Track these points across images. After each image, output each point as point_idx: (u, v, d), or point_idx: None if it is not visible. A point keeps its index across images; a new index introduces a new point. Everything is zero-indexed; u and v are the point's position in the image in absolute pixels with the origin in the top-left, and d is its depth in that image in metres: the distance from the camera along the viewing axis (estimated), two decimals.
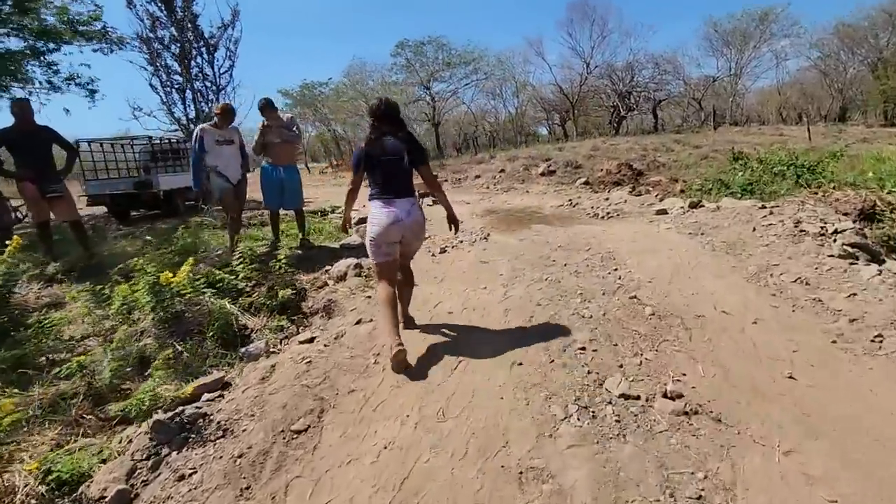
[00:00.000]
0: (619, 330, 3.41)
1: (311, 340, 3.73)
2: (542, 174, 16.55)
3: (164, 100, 10.37)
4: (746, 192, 9.49)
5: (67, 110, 10.32)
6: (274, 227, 6.00)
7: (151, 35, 10.12)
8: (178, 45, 10.25)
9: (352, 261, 5.11)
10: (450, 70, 26.90)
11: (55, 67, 9.33)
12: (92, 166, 13.17)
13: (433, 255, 5.59)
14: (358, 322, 3.90)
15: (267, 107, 5.67)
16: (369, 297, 4.43)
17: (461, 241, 5.99)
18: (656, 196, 9.99)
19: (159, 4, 10.12)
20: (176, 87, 10.46)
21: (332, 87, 25.52)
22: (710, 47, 33.59)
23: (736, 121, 34.48)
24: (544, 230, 6.33)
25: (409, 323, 3.76)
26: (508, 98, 33.37)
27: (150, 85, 9.95)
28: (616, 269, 4.61)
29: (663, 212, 6.99)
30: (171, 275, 3.96)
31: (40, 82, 9.59)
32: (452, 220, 3.76)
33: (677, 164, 15.52)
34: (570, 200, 8.93)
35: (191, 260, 4.20)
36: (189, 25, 10.54)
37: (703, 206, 6.96)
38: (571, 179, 14.87)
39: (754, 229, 5.37)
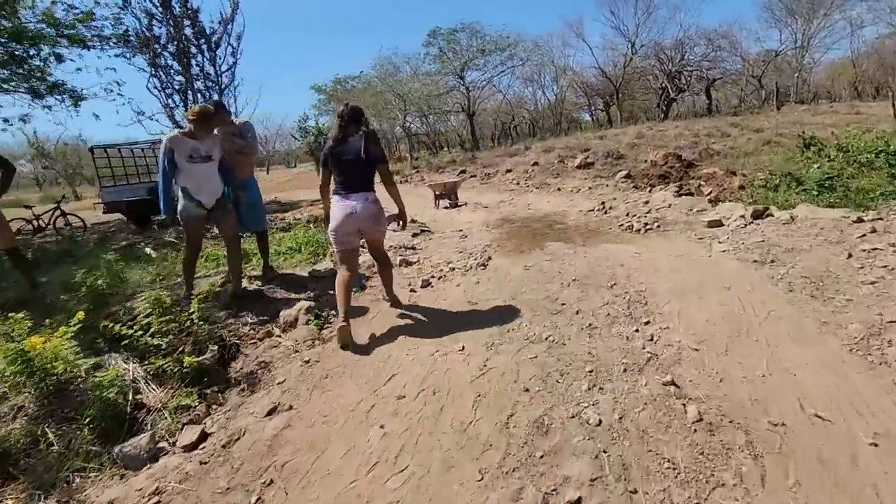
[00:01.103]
0: (641, 455, 2.09)
1: (200, 441, 2.62)
2: (579, 167, 14.92)
3: (165, 102, 9.59)
4: (825, 189, 7.67)
5: (97, 116, 9.58)
6: (262, 252, 4.99)
7: (148, 34, 9.34)
8: (176, 42, 9.41)
9: (305, 304, 3.98)
10: (484, 57, 25.31)
11: (39, 73, 8.74)
12: (108, 173, 12.77)
13: (413, 290, 4.36)
14: (271, 412, 2.75)
15: (215, 111, 4.61)
16: (307, 361, 3.28)
17: (453, 269, 4.73)
18: (709, 197, 8.29)
19: (154, 1, 9.32)
20: (177, 88, 9.67)
21: (364, 80, 24.57)
22: (771, 18, 30.24)
23: (802, 98, 30.99)
24: (560, 251, 4.96)
25: (396, 303, 4.08)
26: (547, 84, 31.37)
27: (147, 88, 9.23)
28: (647, 323, 3.23)
29: (717, 223, 5.43)
30: (42, 340, 2.97)
31: (30, 89, 9.02)
32: (401, 217, 4.11)
33: (734, 151, 13.50)
34: (602, 204, 7.45)
35: (80, 315, 3.20)
36: (188, 21, 9.69)
37: (772, 215, 5.36)
38: (611, 172, 13.19)
39: (850, 256, 3.81)
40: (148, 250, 8.44)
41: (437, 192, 9.85)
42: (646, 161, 12.86)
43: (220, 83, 10.01)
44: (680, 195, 7.92)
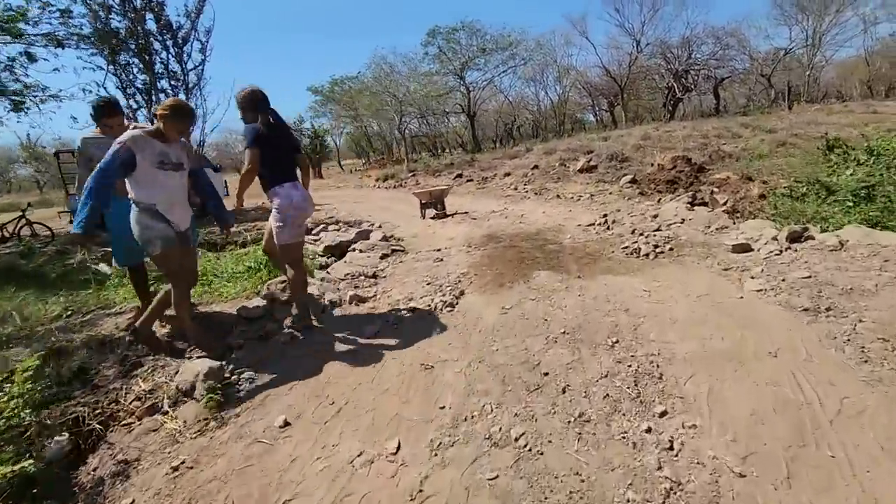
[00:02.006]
0: None
1: None
2: (582, 170, 13.86)
3: (126, 104, 8.63)
4: (862, 200, 6.57)
5: (75, 118, 8.69)
6: (139, 291, 3.94)
7: (105, 28, 8.37)
8: (137, 38, 8.45)
9: (208, 365, 2.97)
10: (485, 57, 24.23)
11: None
12: (75, 179, 11.86)
13: (354, 343, 3.33)
14: None
15: (106, 109, 3.62)
16: (176, 468, 2.28)
17: (413, 311, 3.70)
18: (725, 207, 7.20)
19: None
20: (139, 87, 8.71)
21: (362, 81, 23.61)
22: (781, 15, 28.89)
23: (812, 98, 29.65)
24: (550, 285, 3.91)
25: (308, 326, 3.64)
26: (550, 84, 30.23)
27: (104, 88, 8.28)
28: (664, 415, 2.19)
29: (745, 248, 4.35)
30: None
31: None
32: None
33: (747, 153, 12.38)
34: (604, 217, 6.40)
35: None
36: (150, 15, 8.73)
37: (812, 237, 4.28)
38: (615, 177, 12.12)
39: None
40: (103, 267, 7.50)
41: (422, 201, 8.82)
42: (652, 164, 11.79)
43: (187, 82, 9.03)
44: (693, 206, 6.84)
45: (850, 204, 6.55)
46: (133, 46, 8.51)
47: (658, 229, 5.49)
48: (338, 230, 7.49)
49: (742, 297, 3.34)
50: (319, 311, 3.81)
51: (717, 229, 5.16)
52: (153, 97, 8.82)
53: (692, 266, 4.13)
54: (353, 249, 5.81)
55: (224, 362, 3.07)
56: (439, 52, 23.84)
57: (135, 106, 8.80)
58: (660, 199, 7.53)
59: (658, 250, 4.62)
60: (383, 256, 5.52)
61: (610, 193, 9.30)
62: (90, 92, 8.98)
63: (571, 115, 36.09)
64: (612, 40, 32.95)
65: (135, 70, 8.81)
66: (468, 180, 15.63)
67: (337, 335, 3.41)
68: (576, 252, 4.90)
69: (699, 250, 4.55)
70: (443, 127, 32.16)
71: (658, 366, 2.58)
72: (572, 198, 9.72)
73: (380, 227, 8.17)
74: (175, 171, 3.15)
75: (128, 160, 2.95)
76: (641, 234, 5.26)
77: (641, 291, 3.60)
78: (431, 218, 8.68)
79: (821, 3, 27.05)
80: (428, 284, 4.26)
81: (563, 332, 3.05)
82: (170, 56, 8.96)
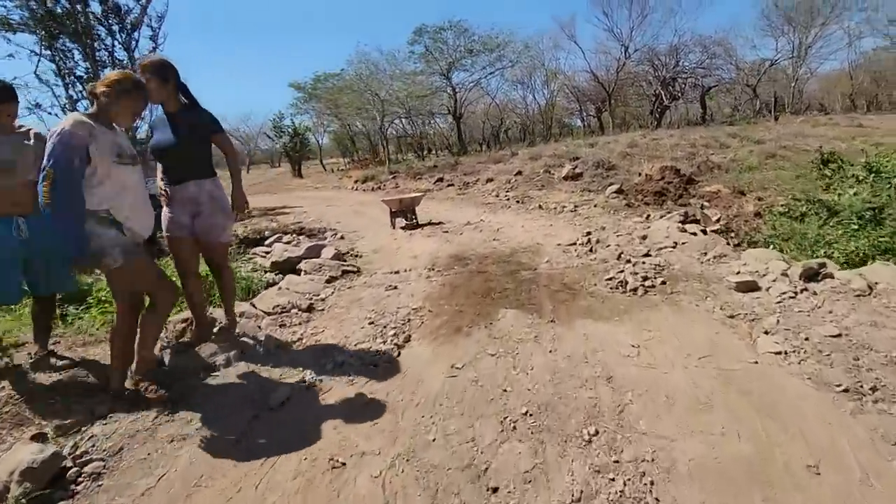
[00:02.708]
0: None
1: None
2: (567, 178, 13.15)
3: (67, 94, 7.67)
4: (868, 223, 5.90)
5: (38, 105, 7.68)
6: (39, 327, 3.01)
7: (36, 8, 7.40)
8: (75, 21, 7.49)
9: (33, 457, 2.10)
10: (472, 58, 23.40)
11: None
12: None
13: (249, 424, 2.49)
14: None
15: None
16: None
17: (341, 365, 2.87)
18: (718, 225, 6.48)
19: None
20: (78, 76, 7.74)
21: (344, 78, 22.63)
22: (768, 26, 28.54)
23: (796, 109, 29.37)
24: (516, 332, 3.11)
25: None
26: (538, 88, 29.53)
27: (36, 75, 7.32)
28: None
29: (751, 286, 3.58)
30: None
31: None
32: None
33: (736, 165, 11.76)
34: (587, 236, 5.64)
35: None
36: None
37: (831, 275, 3.53)
38: (601, 185, 11.41)
39: None
40: None
41: (392, 209, 7.99)
42: (640, 174, 11.11)
43: (135, 71, 8.07)
44: (685, 224, 6.10)
45: (856, 227, 5.88)
46: (72, 30, 7.53)
47: (647, 254, 4.73)
48: (289, 242, 6.62)
49: (756, 363, 2.56)
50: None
51: (714, 258, 4.41)
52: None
53: (689, 309, 3.36)
54: (299, 270, 4.97)
55: (63, 449, 2.22)
56: (426, 51, 22.97)
57: (75, 97, 7.81)
58: (648, 214, 6.78)
59: (648, 284, 3.84)
60: (330, 280, 4.68)
61: (595, 206, 8.56)
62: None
63: (559, 119, 35.46)
64: (600, 45, 32.33)
65: (75, 57, 7.84)
66: (449, 185, 14.82)
67: (234, 400, 2.57)
68: (552, 282, 4.10)
69: (696, 286, 3.79)
70: (429, 128, 31.31)
71: (652, 483, 1.79)
72: (555, 208, 8.97)
73: (341, 237, 7.33)
74: (133, 164, 2.49)
75: (83, 156, 2.22)
76: (629, 262, 4.49)
77: (629, 347, 2.81)
78: (402, 228, 7.85)
79: (807, 15, 26.75)
80: (371, 324, 3.44)
81: (526, 414, 2.25)
82: (115, 42, 8.00)
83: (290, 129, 23.73)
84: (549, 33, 34.98)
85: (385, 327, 3.34)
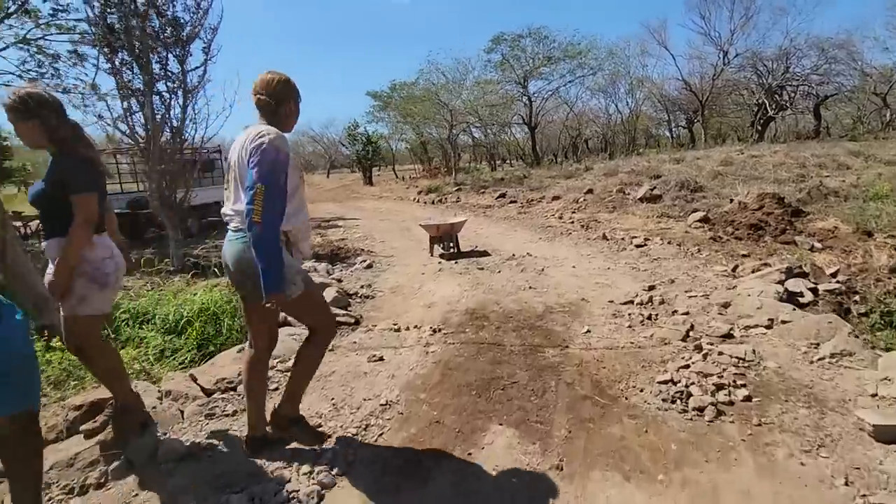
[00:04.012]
0: None
1: None
2: (643, 199, 11.51)
3: (126, 106, 7.63)
4: None
5: (100, 116, 8.07)
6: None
7: (102, 24, 7.39)
8: (136, 37, 7.40)
9: None
10: (551, 66, 21.96)
11: None
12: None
13: None
14: None
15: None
16: None
17: None
18: (833, 284, 4.77)
19: None
20: (134, 89, 7.66)
21: (417, 87, 22.17)
22: None
23: None
24: (500, 482, 2.04)
25: None
26: (621, 97, 27.23)
27: (93, 88, 7.29)
28: None
29: None
30: None
31: None
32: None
33: (859, 191, 9.49)
34: (650, 291, 4.34)
35: None
36: (152, 12, 7.65)
37: None
38: (683, 211, 9.74)
39: None
40: None
41: (430, 235, 7.07)
42: (732, 200, 9.28)
43: (186, 83, 7.88)
44: (788, 278, 4.52)
45: None
46: (130, 44, 7.44)
47: (729, 335, 3.36)
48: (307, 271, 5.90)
49: None
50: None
51: (833, 356, 2.96)
52: (155, 101, 7.75)
53: (790, 470, 2.04)
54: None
55: None
56: (502, 59, 21.90)
57: (134, 109, 7.74)
58: (735, 265, 5.23)
59: (723, 399, 2.54)
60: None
61: (670, 241, 7.03)
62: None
63: (645, 129, 32.66)
64: (694, 50, 29.02)
65: (134, 69, 7.76)
66: (511, 201, 13.63)
67: None
68: (582, 378, 2.91)
69: (803, 413, 2.43)
70: (505, 136, 30.11)
71: None
72: (622, 240, 7.54)
73: (369, 265, 6.52)
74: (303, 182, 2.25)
75: (287, 172, 1.97)
76: (698, 348, 3.16)
77: None
78: (440, 256, 6.91)
79: None
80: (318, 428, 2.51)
81: None
82: (170, 55, 7.83)
83: (363, 137, 23.75)
84: (637, 38, 32.13)
85: (325, 444, 2.38)
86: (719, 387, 2.67)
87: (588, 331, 3.67)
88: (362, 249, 7.94)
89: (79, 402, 2.51)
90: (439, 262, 6.54)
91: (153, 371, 3.74)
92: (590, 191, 12.86)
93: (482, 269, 5.93)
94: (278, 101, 2.03)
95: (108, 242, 2.32)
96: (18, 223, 10.75)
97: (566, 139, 30.71)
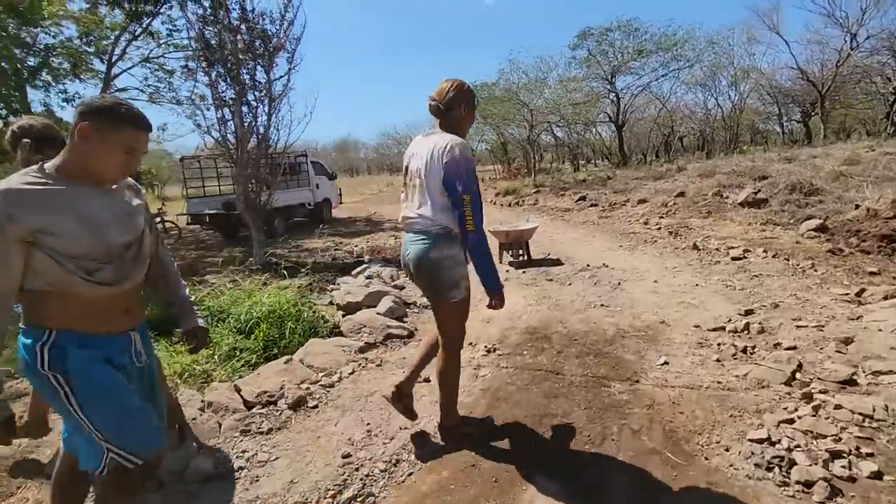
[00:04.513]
0: None
1: None
2: (745, 203, 10.26)
3: (220, 115, 8.18)
4: None
5: (198, 125, 8.86)
6: None
7: (203, 41, 7.98)
8: (229, 51, 7.90)
9: None
10: (641, 59, 20.52)
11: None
12: (198, 183, 12.28)
13: None
14: None
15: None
16: None
17: None
18: None
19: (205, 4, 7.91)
20: (231, 99, 8.18)
21: (498, 87, 21.72)
22: None
23: None
24: None
25: None
26: (722, 90, 24.73)
27: (191, 100, 7.86)
28: None
29: None
30: None
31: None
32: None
33: None
34: (746, 316, 3.68)
35: None
36: (243, 27, 8.12)
37: None
38: (794, 218, 8.52)
39: None
40: None
41: (500, 241, 6.75)
42: (858, 206, 7.90)
43: (271, 92, 8.25)
44: None
45: None
46: (227, 59, 7.95)
47: (850, 381, 2.68)
48: (369, 278, 5.83)
49: None
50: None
51: None
52: (244, 110, 8.23)
53: None
54: (335, 331, 4.09)
55: None
56: (588, 55, 20.84)
57: (227, 118, 8.27)
58: (863, 288, 4.29)
59: (840, 478, 1.97)
60: (364, 348, 3.68)
61: (776, 254, 6.07)
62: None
63: (750, 124, 29.46)
64: (813, 34, 25.40)
65: (226, 82, 8.29)
66: (592, 205, 12.81)
67: None
68: (653, 425, 2.44)
69: None
70: (590, 136, 28.67)
71: None
72: (716, 251, 6.67)
73: None
74: None
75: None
76: (807, 398, 2.54)
77: None
78: (508, 263, 6.57)
79: None
80: (345, 459, 2.31)
81: None
82: (258, 66, 8.26)
83: None
84: (742, 26, 29.01)
85: (352, 477, 2.18)
86: (835, 454, 2.08)
87: (665, 362, 3.15)
88: None
89: None
90: (507, 271, 6.19)
91: (215, 372, 3.83)
92: (681, 193, 11.72)
93: (551, 280, 5.48)
94: (449, 106, 2.15)
95: None
96: None
97: (657, 137, 28.61)
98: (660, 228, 9.03)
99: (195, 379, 3.65)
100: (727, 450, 2.20)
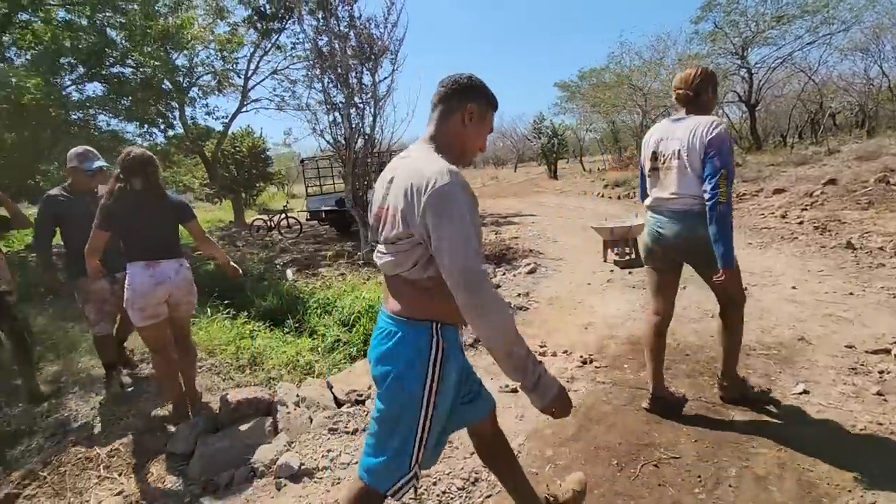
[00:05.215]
0: None
1: None
2: None
3: (333, 118, 8.74)
4: None
5: (314, 129, 9.70)
6: None
7: (315, 48, 8.53)
8: (332, 56, 8.36)
9: None
10: (781, 27, 17.75)
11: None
12: (316, 183, 13.22)
13: None
14: None
15: None
16: None
17: None
18: None
19: (317, 12, 8.40)
20: (341, 102, 8.68)
21: (609, 72, 20.24)
22: None
23: None
24: None
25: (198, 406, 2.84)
26: (888, 55, 20.44)
27: (306, 106, 8.41)
28: None
29: None
30: None
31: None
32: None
33: None
34: None
35: None
36: (352, 32, 8.50)
37: None
38: None
39: None
40: (288, 273, 7.73)
41: (604, 238, 6.25)
42: None
43: (377, 94, 8.56)
44: None
45: None
46: (336, 65, 8.42)
47: None
48: None
49: None
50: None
51: None
52: (352, 112, 8.65)
53: None
54: None
55: None
56: (714, 28, 18.56)
57: (338, 121, 8.79)
58: None
59: None
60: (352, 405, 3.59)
61: None
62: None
63: None
64: None
65: (336, 87, 8.77)
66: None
67: None
68: (784, 472, 1.96)
69: None
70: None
71: None
72: (881, 250, 5.50)
73: (532, 269, 6.05)
74: None
75: None
76: None
77: None
78: (613, 262, 6.06)
79: None
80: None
81: None
82: (364, 69, 8.59)
83: (548, 130, 22.93)
84: None
85: (428, 492, 2.08)
86: None
87: (805, 391, 2.59)
88: (531, 250, 7.51)
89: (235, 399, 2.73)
90: (611, 271, 5.70)
91: (317, 364, 4.03)
92: (832, 181, 9.94)
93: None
94: (697, 92, 2.28)
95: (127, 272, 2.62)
96: (265, 217, 13.38)
97: (801, 116, 24.64)
98: (802, 223, 7.71)
99: (300, 370, 3.88)
100: None
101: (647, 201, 2.46)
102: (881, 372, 2.72)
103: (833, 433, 2.21)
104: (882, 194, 8.85)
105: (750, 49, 18.35)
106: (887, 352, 2.94)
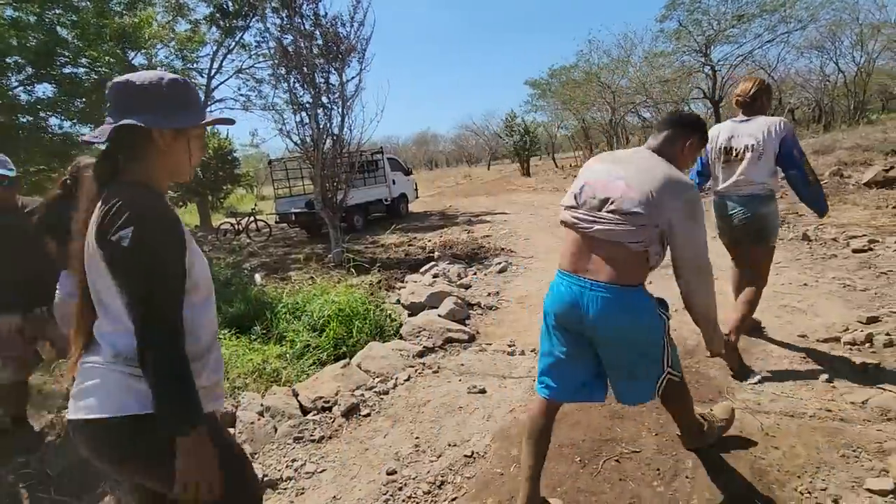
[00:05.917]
0: None
1: None
2: (872, 184, 8.91)
3: (300, 119, 8.59)
4: None
5: (280, 129, 9.47)
6: None
7: (280, 46, 8.38)
8: (298, 55, 8.23)
9: None
10: (741, 26, 18.39)
11: None
12: (286, 184, 13.02)
13: None
14: None
15: None
16: None
17: None
18: None
19: (281, 10, 8.27)
20: (308, 103, 8.54)
21: (578, 70, 20.56)
22: None
23: None
24: None
25: None
26: (844, 51, 21.42)
27: (274, 106, 8.30)
28: None
29: None
30: None
31: None
32: None
33: None
34: (869, 325, 3.04)
35: None
36: (317, 31, 8.39)
37: None
38: None
39: None
40: (257, 277, 7.57)
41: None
42: None
43: (344, 93, 8.47)
44: None
45: None
46: (302, 65, 8.28)
47: None
48: (436, 276, 5.75)
49: None
50: None
51: None
52: (319, 112, 8.53)
53: None
54: (400, 332, 4.05)
55: None
56: (679, 26, 19.09)
57: (305, 121, 8.64)
58: None
59: None
60: (423, 352, 3.59)
61: None
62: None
63: (882, 89, 25.37)
64: None
65: (302, 87, 8.64)
66: None
67: None
68: (738, 461, 2.06)
69: None
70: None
71: None
72: (835, 241, 5.76)
73: (503, 268, 6.11)
74: None
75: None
76: None
77: None
78: None
79: None
80: (390, 476, 2.22)
81: None
82: (331, 69, 8.49)
83: (520, 128, 23.15)
84: None
85: (394, 498, 2.08)
86: None
87: (760, 380, 2.70)
88: (503, 249, 7.57)
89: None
90: None
91: (285, 371, 3.95)
92: None
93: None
94: (754, 98, 2.79)
95: None
96: (233, 220, 13.09)
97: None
98: None
99: (266, 378, 3.80)
100: (836, 501, 1.79)
101: (718, 187, 2.88)
102: (831, 360, 2.85)
103: (785, 421, 2.31)
104: (836, 187, 9.28)
105: (713, 47, 18.95)
106: (837, 340, 3.08)
